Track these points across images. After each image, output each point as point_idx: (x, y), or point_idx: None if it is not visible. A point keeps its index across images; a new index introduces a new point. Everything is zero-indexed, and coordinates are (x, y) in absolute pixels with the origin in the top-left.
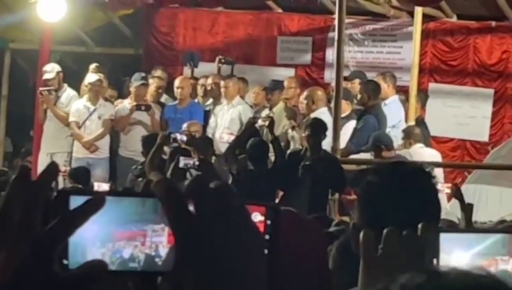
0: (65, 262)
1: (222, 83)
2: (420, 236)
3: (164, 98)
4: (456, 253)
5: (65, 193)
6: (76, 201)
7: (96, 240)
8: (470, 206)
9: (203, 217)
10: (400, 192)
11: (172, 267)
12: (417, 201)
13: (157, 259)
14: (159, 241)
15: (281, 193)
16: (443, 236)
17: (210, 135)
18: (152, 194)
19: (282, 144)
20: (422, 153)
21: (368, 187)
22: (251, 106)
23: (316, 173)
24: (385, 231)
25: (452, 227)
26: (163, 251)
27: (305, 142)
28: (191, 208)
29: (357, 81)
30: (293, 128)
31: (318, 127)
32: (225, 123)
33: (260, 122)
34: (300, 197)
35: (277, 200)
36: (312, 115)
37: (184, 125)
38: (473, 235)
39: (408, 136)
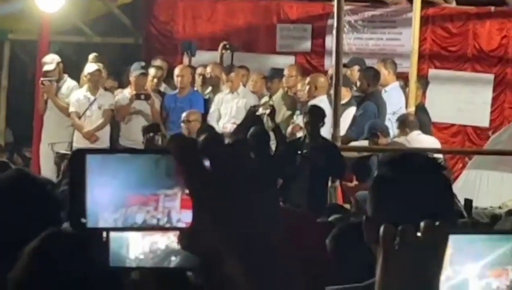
0: (83, 220)
1: (224, 77)
2: (434, 235)
3: (163, 87)
4: (465, 257)
5: (81, 152)
6: (92, 160)
7: (109, 204)
8: (470, 201)
9: (219, 172)
10: (412, 186)
11: (190, 223)
12: (430, 194)
13: (167, 225)
14: (172, 206)
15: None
16: (452, 237)
17: (213, 124)
18: (166, 151)
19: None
20: (420, 140)
21: (379, 181)
22: None
23: (314, 161)
24: (401, 227)
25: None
26: (175, 216)
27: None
28: (207, 163)
29: (356, 68)
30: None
31: (317, 114)
32: (231, 112)
33: (261, 110)
34: (299, 185)
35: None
36: (311, 103)
37: (183, 115)
38: (484, 241)
39: (404, 124)
